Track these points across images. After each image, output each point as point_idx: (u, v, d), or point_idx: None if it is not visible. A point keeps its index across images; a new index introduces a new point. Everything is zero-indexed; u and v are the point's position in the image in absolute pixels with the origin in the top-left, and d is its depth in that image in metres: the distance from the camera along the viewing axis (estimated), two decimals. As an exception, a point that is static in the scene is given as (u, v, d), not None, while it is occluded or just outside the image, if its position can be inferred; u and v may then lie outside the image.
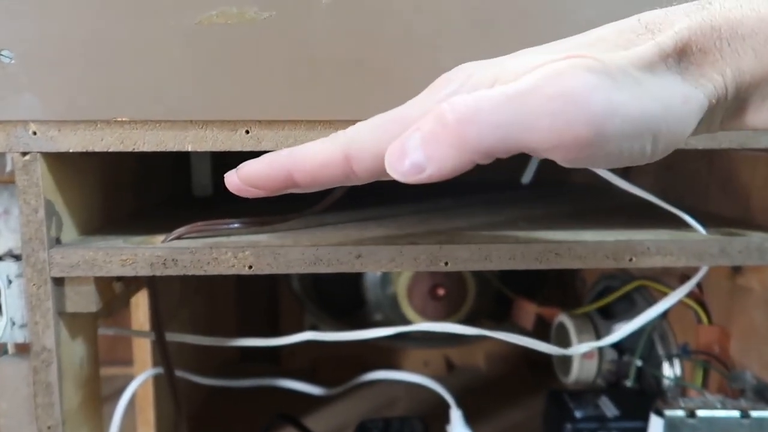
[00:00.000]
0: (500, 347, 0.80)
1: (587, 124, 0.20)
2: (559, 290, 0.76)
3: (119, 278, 0.37)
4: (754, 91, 0.23)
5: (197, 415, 0.65)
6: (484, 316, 0.76)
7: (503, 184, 0.60)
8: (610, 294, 0.57)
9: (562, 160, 0.22)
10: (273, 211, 0.39)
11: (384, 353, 0.79)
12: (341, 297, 0.76)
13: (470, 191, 0.61)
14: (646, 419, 0.44)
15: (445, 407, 0.49)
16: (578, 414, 0.46)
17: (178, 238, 0.35)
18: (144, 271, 0.33)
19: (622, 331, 0.41)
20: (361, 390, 0.73)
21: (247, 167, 0.26)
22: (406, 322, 0.70)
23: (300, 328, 0.78)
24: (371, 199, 0.53)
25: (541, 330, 0.77)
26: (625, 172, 0.62)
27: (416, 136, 0.21)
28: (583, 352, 0.54)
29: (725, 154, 0.44)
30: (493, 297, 0.73)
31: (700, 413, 0.37)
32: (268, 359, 0.82)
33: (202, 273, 0.33)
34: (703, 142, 0.34)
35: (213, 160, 0.49)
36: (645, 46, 0.22)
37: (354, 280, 0.73)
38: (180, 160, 0.50)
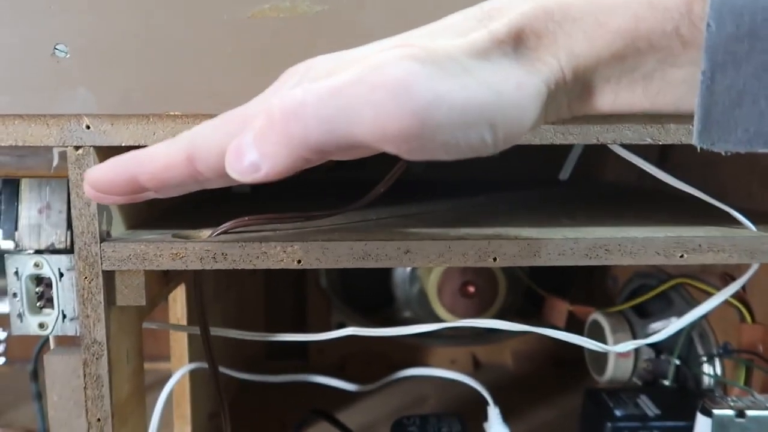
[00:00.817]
0: (527, 345, 0.80)
1: (411, 114, 0.19)
2: (588, 288, 0.76)
3: (165, 272, 0.38)
4: (592, 74, 0.22)
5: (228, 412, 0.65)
6: (514, 314, 0.75)
7: (538, 181, 0.60)
8: (645, 293, 0.56)
9: (398, 152, 0.21)
10: (313, 208, 0.39)
11: (411, 351, 0.79)
12: (369, 294, 0.76)
13: (505, 188, 0.61)
14: (688, 419, 0.44)
15: (476, 405, 0.48)
16: (618, 413, 0.45)
17: (225, 232, 0.35)
18: (194, 265, 0.33)
19: (666, 330, 0.40)
20: (390, 387, 0.73)
21: (92, 172, 0.25)
22: (436, 319, 0.69)
23: (327, 326, 0.78)
24: (411, 195, 0.53)
25: (574, 329, 0.76)
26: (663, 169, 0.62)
27: (250, 135, 0.21)
28: (619, 351, 0.54)
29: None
30: (523, 295, 0.73)
31: (750, 413, 0.37)
32: (296, 356, 0.83)
33: (251, 267, 0.33)
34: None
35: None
36: (478, 33, 0.21)
37: (383, 276, 0.73)
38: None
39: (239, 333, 0.42)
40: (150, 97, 0.31)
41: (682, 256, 0.35)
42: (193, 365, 0.46)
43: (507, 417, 0.49)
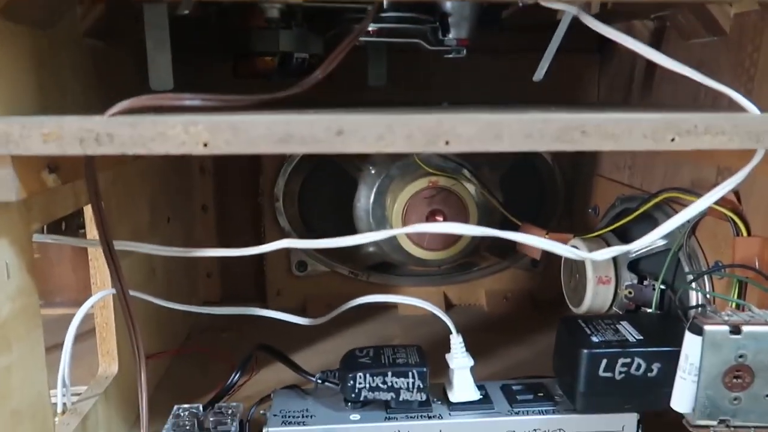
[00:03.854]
0: (502, 285, 0.75)
1: None
2: (567, 221, 0.70)
3: (52, 169, 0.31)
4: None
5: (180, 350, 0.60)
6: (485, 249, 0.70)
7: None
8: (629, 213, 0.51)
9: None
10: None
11: (378, 291, 0.73)
12: (331, 230, 0.70)
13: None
14: (674, 344, 0.38)
15: (445, 342, 0.43)
16: (595, 339, 0.40)
17: (122, 113, 0.28)
18: (73, 149, 0.26)
19: (652, 234, 0.34)
20: (355, 326, 0.68)
21: None
22: (404, 253, 0.64)
23: (287, 267, 0.73)
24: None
25: (551, 260, 0.71)
26: (648, 82, 0.56)
27: None
28: (596, 259, 0.49)
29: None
30: (496, 227, 0.67)
31: (747, 329, 0.31)
32: (253, 300, 0.77)
33: (145, 152, 0.27)
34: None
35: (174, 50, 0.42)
36: None
37: (344, 210, 0.67)
38: (141, 53, 0.43)
39: (153, 248, 0.35)
40: None
41: (673, 140, 0.29)
42: (108, 291, 0.40)
43: (480, 357, 0.44)
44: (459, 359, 0.41)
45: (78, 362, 0.47)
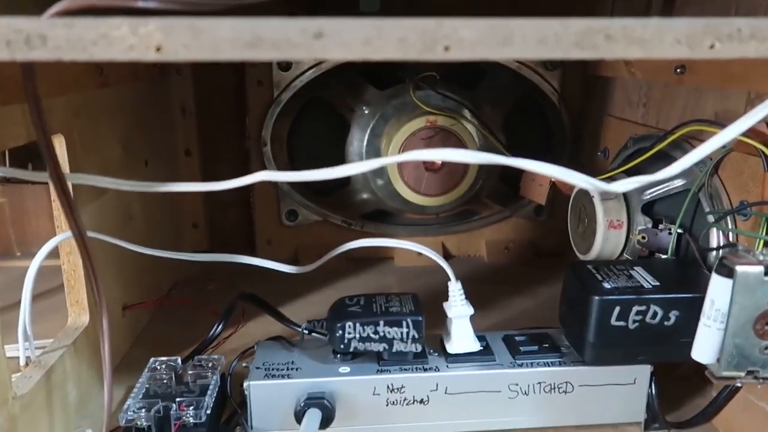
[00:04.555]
0: (503, 234, 0.71)
1: None
2: (575, 167, 0.66)
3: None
4: None
5: (162, 302, 0.57)
6: (486, 196, 0.66)
7: None
8: (642, 153, 0.47)
9: None
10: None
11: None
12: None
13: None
14: (693, 290, 0.35)
15: (444, 293, 0.39)
16: (607, 285, 0.36)
17: (63, 14, 0.24)
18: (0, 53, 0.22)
19: (672, 167, 0.30)
20: (348, 277, 0.65)
21: None
22: (399, 200, 0.60)
23: (277, 215, 0.69)
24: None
25: (555, 209, 0.67)
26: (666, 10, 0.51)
27: None
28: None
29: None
30: (498, 174, 0.63)
31: (784, 269, 0.28)
32: (242, 250, 0.73)
33: (86, 57, 0.22)
34: None
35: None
36: None
37: (335, 153, 0.63)
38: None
39: (115, 182, 0.31)
40: None
41: (713, 46, 0.24)
42: (67, 234, 0.36)
43: (480, 309, 0.40)
44: (458, 308, 0.38)
45: (55, 315, 0.44)
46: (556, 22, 0.24)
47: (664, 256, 0.43)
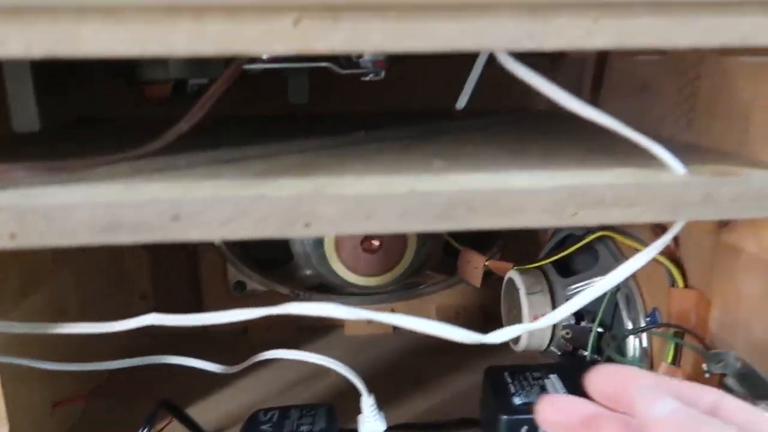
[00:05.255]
0: (453, 300, 0.71)
1: None
2: (519, 241, 0.66)
3: None
4: None
5: (97, 393, 0.56)
6: (432, 269, 0.66)
7: (433, 111, 0.49)
8: (572, 244, 0.47)
9: None
10: (98, 153, 0.28)
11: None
12: (267, 249, 0.66)
13: (402, 122, 0.50)
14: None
15: (392, 363, 0.39)
16: (518, 400, 0.36)
17: None
18: None
19: (574, 301, 0.31)
20: (294, 348, 0.64)
21: None
22: (339, 279, 0.60)
23: (224, 286, 0.68)
24: (264, 132, 0.42)
25: (494, 287, 0.68)
26: (595, 96, 0.51)
27: None
28: (492, 342, 0.45)
29: (717, 62, 0.33)
30: (441, 246, 0.63)
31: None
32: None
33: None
34: (690, 38, 0.22)
35: (40, 85, 0.37)
36: None
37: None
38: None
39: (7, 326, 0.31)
40: None
41: (576, 214, 0.25)
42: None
43: (417, 384, 0.40)
44: (370, 423, 0.38)
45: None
46: (419, 196, 0.24)
47: (586, 353, 0.43)
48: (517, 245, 0.65)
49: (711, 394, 0.21)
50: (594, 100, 0.50)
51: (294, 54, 0.21)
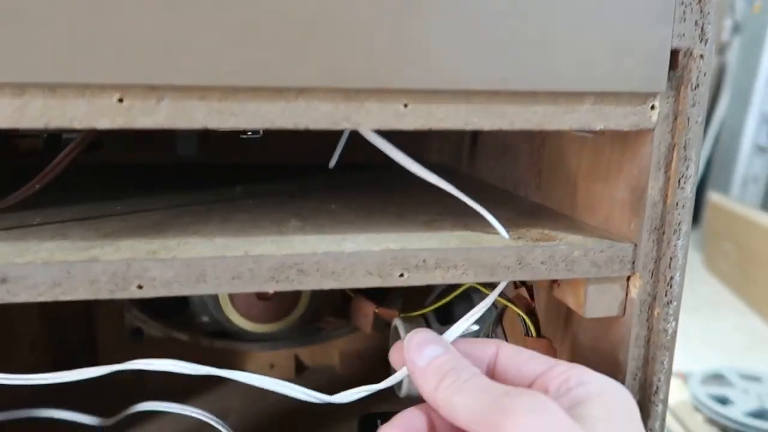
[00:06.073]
0: (356, 344, 0.72)
1: None
2: (415, 288, 0.69)
3: None
4: None
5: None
6: (329, 314, 0.67)
7: (310, 168, 0.51)
8: (451, 292, 0.49)
9: None
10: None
11: (224, 355, 0.69)
12: (165, 297, 0.65)
13: (284, 176, 0.52)
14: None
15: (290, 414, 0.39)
16: (384, 450, 0.37)
17: None
18: None
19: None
20: (190, 396, 0.64)
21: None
22: (233, 325, 0.60)
23: (120, 333, 0.67)
24: (136, 189, 0.42)
25: (383, 332, 0.69)
26: (472, 157, 0.55)
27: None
28: (333, 402, 0.47)
29: (556, 132, 0.37)
30: (338, 293, 0.65)
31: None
32: (87, 362, 0.71)
33: None
34: (490, 122, 0.25)
35: None
36: None
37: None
38: None
39: None
40: None
41: (402, 276, 0.27)
42: None
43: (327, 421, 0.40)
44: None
45: None
46: (251, 259, 0.25)
47: (460, 400, 0.45)
48: (418, 290, 0.67)
49: (492, 345, 0.28)
50: (471, 162, 0.54)
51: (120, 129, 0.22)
